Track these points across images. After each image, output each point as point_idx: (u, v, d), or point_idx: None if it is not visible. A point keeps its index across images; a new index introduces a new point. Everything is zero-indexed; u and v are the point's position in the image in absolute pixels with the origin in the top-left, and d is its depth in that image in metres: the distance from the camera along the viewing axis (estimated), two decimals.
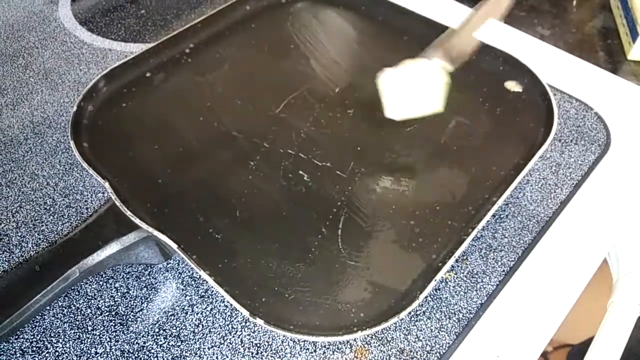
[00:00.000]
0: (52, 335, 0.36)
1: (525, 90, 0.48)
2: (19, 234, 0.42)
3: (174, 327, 0.36)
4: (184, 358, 0.35)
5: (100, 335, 0.36)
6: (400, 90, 0.41)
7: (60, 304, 0.38)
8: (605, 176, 0.45)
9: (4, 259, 0.40)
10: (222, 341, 0.36)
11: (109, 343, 0.36)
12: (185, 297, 0.38)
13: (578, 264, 0.40)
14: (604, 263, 0.43)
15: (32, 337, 0.36)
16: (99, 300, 0.38)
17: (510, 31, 0.59)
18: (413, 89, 0.41)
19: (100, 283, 0.39)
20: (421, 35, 0.53)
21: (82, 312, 0.37)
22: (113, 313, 0.37)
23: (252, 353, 0.35)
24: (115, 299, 0.38)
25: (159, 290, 0.38)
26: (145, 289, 0.38)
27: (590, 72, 0.54)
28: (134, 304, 0.38)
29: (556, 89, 0.52)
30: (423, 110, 0.42)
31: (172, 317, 0.37)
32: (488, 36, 0.50)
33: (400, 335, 0.36)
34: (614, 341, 0.41)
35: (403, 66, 0.41)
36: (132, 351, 0.35)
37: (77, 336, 0.36)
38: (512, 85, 0.48)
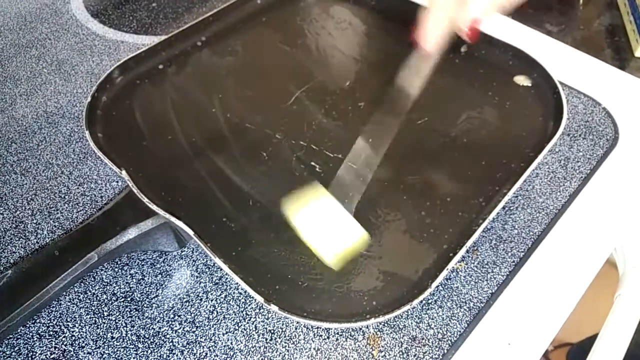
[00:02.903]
0: (68, 320, 0.37)
1: (534, 85, 0.48)
2: (35, 221, 0.42)
3: (189, 313, 0.37)
4: (198, 343, 0.36)
5: (116, 321, 0.37)
6: None
7: (76, 289, 0.38)
8: (613, 170, 0.46)
9: (20, 245, 0.41)
10: (237, 327, 0.36)
11: (125, 328, 0.36)
12: (200, 284, 0.38)
13: (586, 256, 0.41)
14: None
15: (48, 321, 0.37)
16: (114, 287, 0.38)
17: (518, 27, 0.59)
18: None
19: (116, 270, 0.39)
20: None
21: (98, 298, 0.38)
22: (128, 299, 0.38)
23: (267, 339, 0.36)
24: (131, 285, 0.38)
25: (173, 277, 0.39)
26: (160, 275, 0.39)
27: (598, 68, 0.55)
28: (149, 290, 0.38)
29: (564, 84, 0.52)
30: None
31: (187, 304, 0.37)
32: (497, 31, 0.50)
33: (412, 323, 0.36)
34: (621, 334, 0.41)
35: None
36: (147, 336, 0.36)
37: (94, 321, 0.37)
38: (522, 80, 0.49)
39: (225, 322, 0.37)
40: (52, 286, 0.33)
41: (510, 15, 0.60)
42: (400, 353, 0.35)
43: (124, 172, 0.39)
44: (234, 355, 0.35)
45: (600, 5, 0.65)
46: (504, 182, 0.41)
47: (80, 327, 0.36)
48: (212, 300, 0.38)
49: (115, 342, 0.36)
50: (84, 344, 0.36)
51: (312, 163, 0.43)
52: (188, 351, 0.35)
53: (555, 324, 0.37)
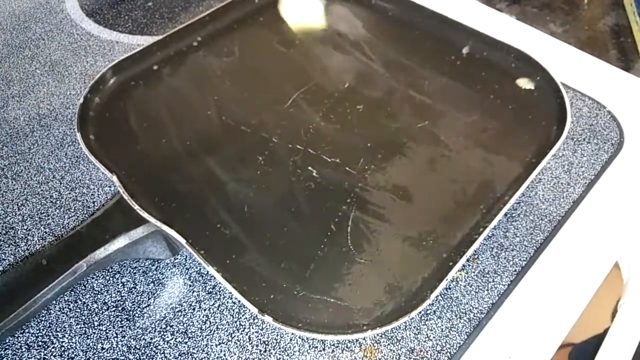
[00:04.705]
0: (58, 330, 0.36)
1: (537, 88, 0.47)
2: (25, 227, 0.41)
3: (181, 323, 0.36)
4: (191, 355, 0.35)
5: (107, 331, 0.36)
6: None
7: (66, 298, 0.37)
8: (618, 175, 0.45)
9: (10, 252, 0.40)
10: (230, 338, 0.35)
11: (115, 339, 0.35)
12: (193, 293, 0.38)
13: (591, 264, 0.40)
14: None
15: (37, 331, 0.36)
16: (105, 295, 0.37)
17: (522, 27, 0.58)
18: None
19: (107, 278, 0.38)
20: (432, 30, 0.53)
21: (89, 307, 0.37)
22: (120, 308, 0.37)
23: (260, 350, 0.35)
24: (122, 294, 0.37)
25: (166, 286, 0.38)
26: (152, 284, 0.38)
27: (603, 70, 0.53)
28: (141, 299, 0.37)
29: (568, 86, 0.51)
30: None
31: (179, 313, 0.37)
32: (500, 32, 0.49)
33: (410, 335, 0.35)
34: (625, 342, 0.40)
35: None
36: (138, 347, 0.35)
37: (83, 331, 0.36)
38: (524, 83, 0.48)
39: (218, 333, 0.36)
40: (39, 297, 0.32)
41: (514, 15, 0.59)
42: None
43: (114, 177, 0.38)
44: None
45: (605, 5, 0.63)
46: (505, 188, 0.40)
47: (69, 337, 0.35)
48: (205, 310, 0.37)
49: (105, 353, 0.35)
50: (73, 355, 0.35)
51: (309, 168, 0.42)
52: None
53: (557, 336, 0.36)
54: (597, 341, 0.42)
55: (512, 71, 0.48)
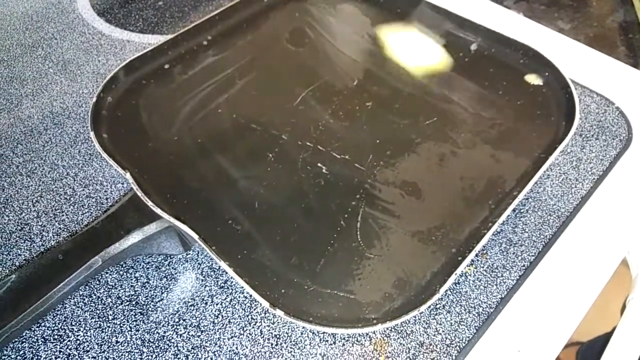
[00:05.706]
0: (73, 323, 0.37)
1: (546, 84, 0.47)
2: (40, 223, 0.42)
3: (194, 317, 0.37)
4: (203, 348, 0.35)
5: (121, 325, 0.36)
6: None
7: (81, 293, 0.38)
8: (626, 171, 0.45)
9: (25, 247, 0.41)
10: (242, 332, 0.36)
11: (130, 332, 0.36)
12: (205, 287, 0.38)
13: (599, 259, 0.40)
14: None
15: (53, 325, 0.37)
16: (119, 290, 0.38)
17: (530, 24, 0.58)
18: None
19: (121, 273, 0.39)
20: (440, 27, 0.53)
21: (103, 302, 0.38)
22: (133, 302, 0.37)
23: (272, 344, 0.35)
24: (136, 289, 0.38)
25: (178, 281, 0.38)
26: (165, 279, 0.39)
27: (612, 66, 0.54)
28: (154, 293, 0.38)
29: (577, 83, 0.51)
30: None
31: (192, 308, 0.37)
32: (508, 29, 0.49)
33: (419, 329, 0.36)
34: (634, 338, 0.40)
35: None
36: (152, 340, 0.36)
37: (98, 325, 0.36)
38: (533, 79, 0.48)
39: (230, 327, 0.36)
40: (56, 291, 0.33)
41: (522, 12, 0.59)
42: (408, 359, 0.35)
43: (128, 174, 0.38)
44: None
45: (614, 2, 0.63)
46: (514, 183, 0.40)
47: (85, 331, 0.36)
48: (217, 304, 0.37)
49: (119, 346, 0.35)
50: (88, 348, 0.35)
51: (319, 164, 0.43)
52: (193, 356, 0.35)
53: (566, 330, 0.37)
54: (605, 337, 0.42)
55: (521, 67, 0.49)
